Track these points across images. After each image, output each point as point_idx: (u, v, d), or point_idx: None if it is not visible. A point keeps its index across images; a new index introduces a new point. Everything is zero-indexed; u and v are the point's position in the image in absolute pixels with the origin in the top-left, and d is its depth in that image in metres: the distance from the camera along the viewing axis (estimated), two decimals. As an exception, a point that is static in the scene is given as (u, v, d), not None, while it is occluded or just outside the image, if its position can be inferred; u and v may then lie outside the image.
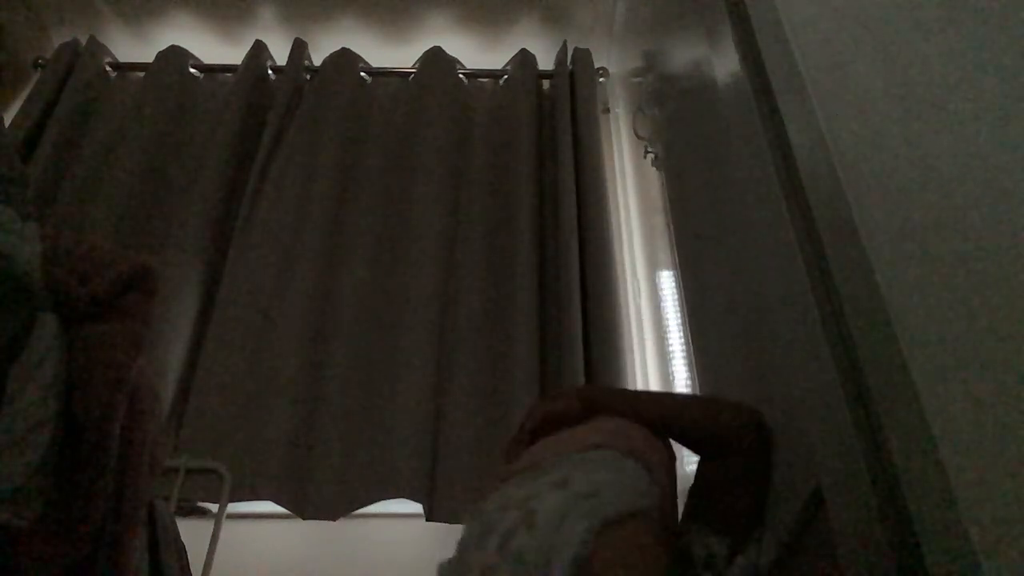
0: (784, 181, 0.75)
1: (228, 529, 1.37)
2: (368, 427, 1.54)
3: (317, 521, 1.43)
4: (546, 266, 1.77)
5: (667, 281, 1.44)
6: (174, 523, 1.00)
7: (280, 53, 2.16)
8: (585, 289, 1.67)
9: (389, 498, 1.43)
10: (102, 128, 2.02)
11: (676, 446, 0.92)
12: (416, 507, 1.42)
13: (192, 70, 2.16)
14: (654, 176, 1.53)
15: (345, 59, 2.12)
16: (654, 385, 1.59)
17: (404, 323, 1.65)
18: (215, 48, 2.21)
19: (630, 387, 1.57)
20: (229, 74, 2.14)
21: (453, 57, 2.15)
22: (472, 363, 1.60)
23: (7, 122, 1.95)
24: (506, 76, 2.14)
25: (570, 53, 2.15)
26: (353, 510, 1.44)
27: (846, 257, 0.62)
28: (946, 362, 0.52)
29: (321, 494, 1.44)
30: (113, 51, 2.20)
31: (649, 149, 1.55)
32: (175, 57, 2.13)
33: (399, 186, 1.90)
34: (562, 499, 0.71)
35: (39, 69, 2.14)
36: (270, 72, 2.16)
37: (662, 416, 0.90)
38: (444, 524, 1.41)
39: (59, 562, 0.67)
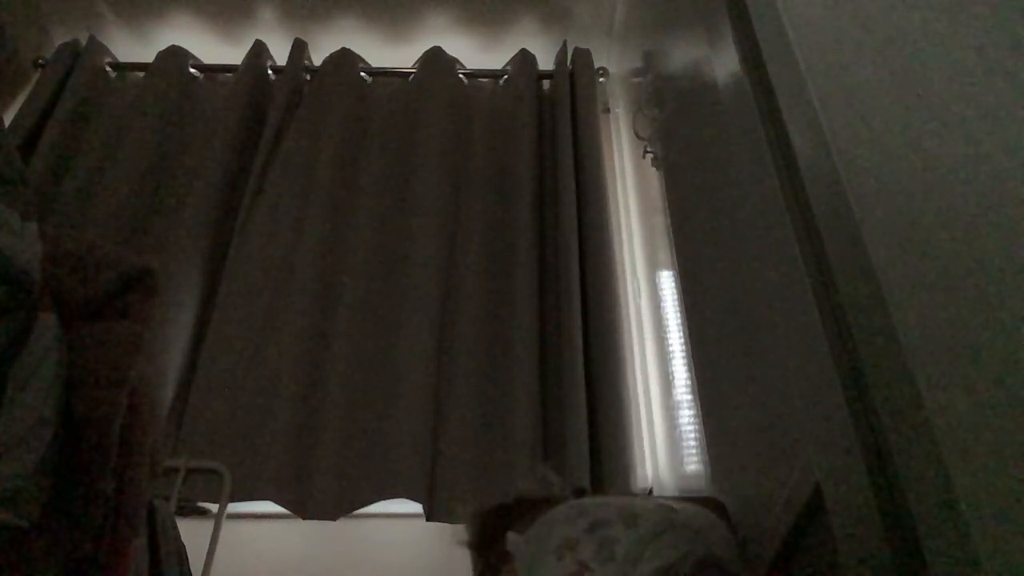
0: (784, 181, 0.75)
1: (228, 529, 1.37)
2: (368, 427, 1.53)
3: (317, 521, 1.43)
4: (546, 266, 1.77)
5: (667, 281, 1.44)
6: (174, 523, 1.00)
7: (280, 53, 2.16)
8: (585, 289, 1.67)
9: (389, 498, 1.43)
10: (102, 128, 2.02)
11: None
12: (416, 507, 1.42)
13: (192, 70, 2.16)
14: (654, 176, 1.53)
15: (345, 59, 2.12)
16: (654, 385, 1.59)
17: (404, 323, 1.65)
18: (215, 48, 2.21)
19: (629, 387, 1.57)
20: (229, 74, 2.14)
21: (453, 57, 2.15)
22: (472, 363, 1.60)
23: (7, 122, 1.95)
24: (506, 76, 2.14)
25: (570, 53, 2.15)
26: (353, 510, 1.44)
27: (846, 257, 0.62)
28: (947, 362, 0.52)
29: (321, 494, 1.44)
30: (113, 51, 2.20)
31: (649, 149, 1.55)
32: (175, 57, 2.13)
33: (399, 186, 1.90)
34: (670, 518, 0.72)
35: (39, 69, 2.14)
36: (270, 72, 2.16)
37: None
38: (444, 524, 1.41)
39: (59, 562, 0.67)
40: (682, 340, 1.27)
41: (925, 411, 0.50)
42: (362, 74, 2.14)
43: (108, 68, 2.17)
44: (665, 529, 0.70)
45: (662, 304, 1.48)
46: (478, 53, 2.22)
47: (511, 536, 0.81)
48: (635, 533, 0.69)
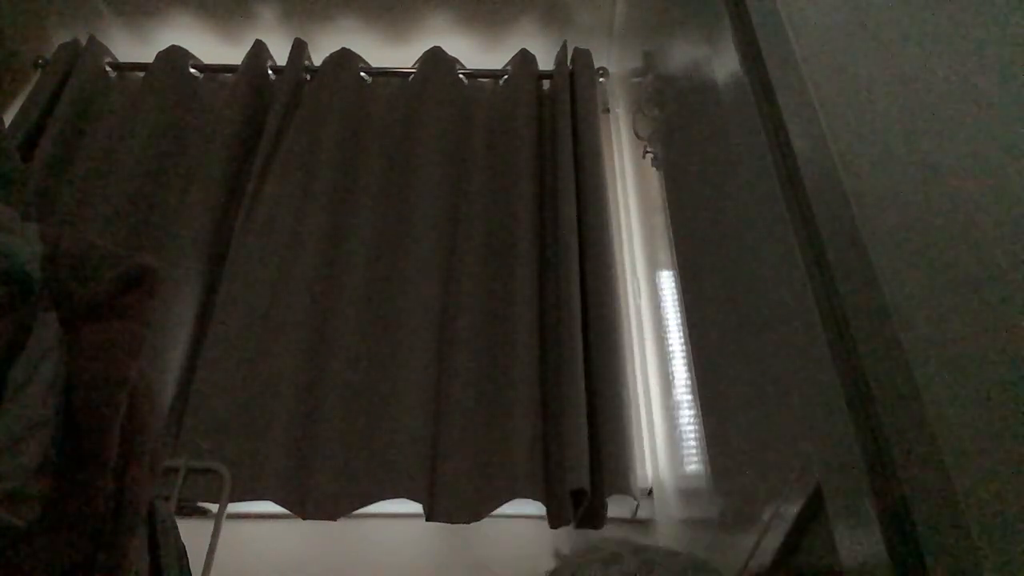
0: (784, 181, 0.75)
1: (228, 529, 1.37)
2: (368, 427, 1.53)
3: (317, 521, 1.43)
4: (546, 266, 1.77)
5: (667, 281, 1.45)
6: (174, 523, 1.00)
7: (280, 53, 2.16)
8: (585, 289, 1.67)
9: (389, 498, 1.43)
10: (102, 128, 2.02)
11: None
12: (416, 507, 1.42)
13: (192, 70, 2.16)
14: (654, 176, 1.53)
15: (345, 59, 2.12)
16: (654, 385, 1.59)
17: (404, 323, 1.65)
18: (215, 48, 2.21)
19: (629, 387, 1.57)
20: (229, 74, 2.14)
21: (453, 57, 2.15)
22: (472, 363, 1.60)
23: (7, 122, 1.95)
24: (506, 76, 2.14)
25: (570, 53, 2.15)
26: (353, 510, 1.44)
27: (847, 258, 0.62)
28: (948, 362, 0.52)
29: (321, 494, 1.44)
30: (113, 51, 2.20)
31: (649, 149, 1.55)
32: (175, 57, 2.13)
33: (399, 186, 1.90)
34: (704, 562, 0.81)
35: (39, 69, 2.14)
36: (270, 72, 2.16)
37: None
38: (444, 524, 1.41)
39: (59, 563, 0.67)
40: (682, 340, 1.28)
41: (925, 411, 0.50)
42: (362, 74, 2.14)
43: (108, 68, 2.17)
44: (700, 568, 0.79)
45: (662, 304, 1.48)
46: (478, 53, 2.22)
47: (555, 551, 0.88)
48: (674, 561, 0.75)
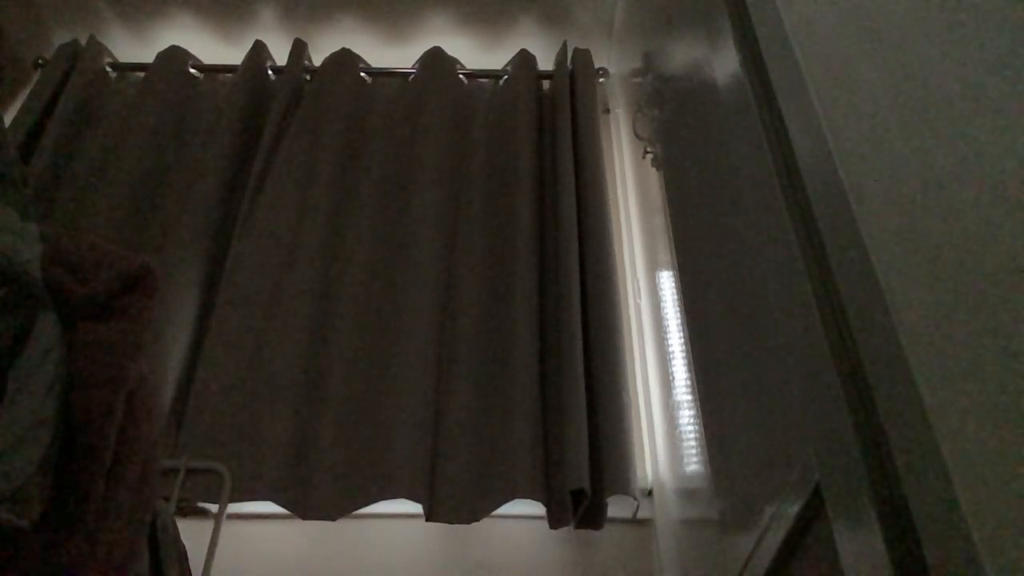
0: (784, 181, 0.75)
1: (228, 529, 1.37)
2: (368, 427, 1.53)
3: (317, 521, 1.43)
4: (546, 266, 1.77)
5: (667, 281, 1.45)
6: (174, 523, 1.00)
7: (280, 53, 2.16)
8: (585, 289, 1.67)
9: (389, 498, 1.43)
10: (102, 128, 2.02)
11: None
12: (416, 507, 1.42)
13: (192, 70, 2.16)
14: (654, 176, 1.53)
15: (345, 59, 2.12)
16: (654, 385, 1.59)
17: (404, 322, 1.65)
18: (215, 48, 2.21)
19: (629, 387, 1.57)
20: (229, 74, 2.14)
21: (453, 57, 2.15)
22: (472, 363, 1.60)
23: (7, 122, 1.95)
24: (506, 76, 2.14)
25: (570, 53, 2.15)
26: (353, 510, 1.44)
27: (847, 258, 0.62)
28: (947, 362, 0.52)
29: (321, 494, 1.44)
30: (113, 51, 2.20)
31: (649, 149, 1.55)
32: (175, 57, 2.13)
33: (399, 186, 1.90)
34: None
35: (39, 69, 2.14)
36: (270, 72, 2.16)
37: None
38: (444, 524, 1.41)
39: (58, 563, 0.67)
40: (682, 340, 1.28)
41: (925, 411, 0.50)
42: (362, 74, 2.14)
43: (108, 68, 2.17)
44: None
45: (662, 304, 1.48)
46: (478, 53, 2.22)
47: None
48: None
